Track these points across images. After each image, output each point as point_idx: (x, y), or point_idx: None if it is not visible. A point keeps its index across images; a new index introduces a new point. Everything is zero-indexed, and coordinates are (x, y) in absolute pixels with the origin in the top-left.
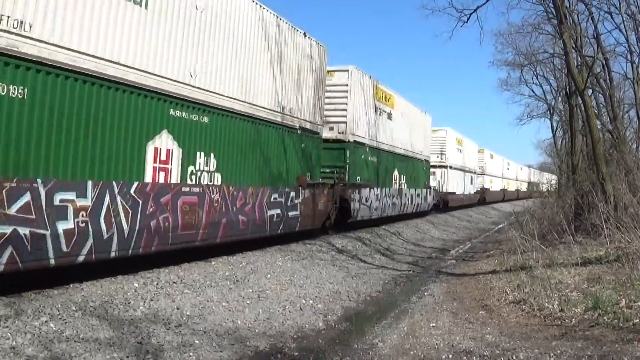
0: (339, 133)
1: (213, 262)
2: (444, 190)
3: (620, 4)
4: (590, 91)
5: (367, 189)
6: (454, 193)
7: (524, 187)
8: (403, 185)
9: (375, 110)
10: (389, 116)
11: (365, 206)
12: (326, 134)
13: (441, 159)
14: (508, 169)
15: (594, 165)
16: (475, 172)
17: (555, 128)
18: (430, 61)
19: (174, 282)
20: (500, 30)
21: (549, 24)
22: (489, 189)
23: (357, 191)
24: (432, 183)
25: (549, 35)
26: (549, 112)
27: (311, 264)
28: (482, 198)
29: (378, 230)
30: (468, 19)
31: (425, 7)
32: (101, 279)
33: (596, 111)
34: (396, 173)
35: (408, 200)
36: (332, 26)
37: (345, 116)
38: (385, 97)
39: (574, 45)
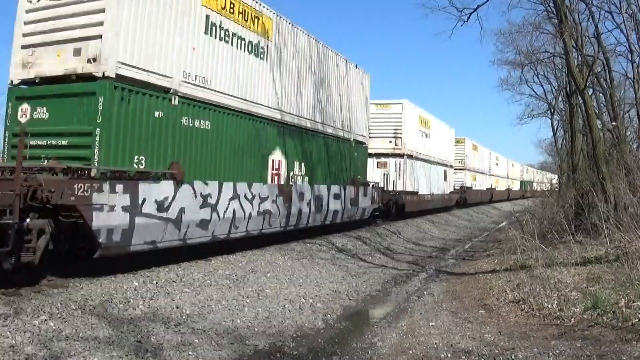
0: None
1: (213, 261)
2: (400, 188)
3: (620, 3)
4: (590, 90)
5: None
6: (416, 193)
7: (516, 186)
8: (298, 178)
9: None
10: None
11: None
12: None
13: (395, 144)
14: (497, 164)
15: (594, 164)
16: (449, 166)
17: (555, 127)
18: (431, 60)
19: (173, 281)
20: (501, 30)
21: (550, 23)
22: (471, 187)
23: None
24: (377, 178)
25: (549, 35)
26: (549, 111)
27: (311, 263)
28: (462, 199)
29: (378, 229)
30: (468, 18)
31: (425, 6)
32: (101, 278)
33: (597, 111)
34: (279, 155)
35: (310, 205)
36: (329, 21)
37: None
38: None
39: (574, 45)
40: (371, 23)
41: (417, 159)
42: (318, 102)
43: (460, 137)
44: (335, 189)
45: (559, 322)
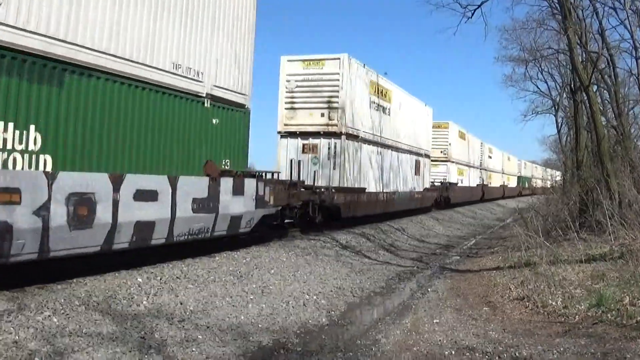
0: None
1: (217, 257)
2: (336, 183)
3: None
4: (595, 87)
5: None
6: (363, 190)
7: (512, 182)
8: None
9: None
10: None
11: None
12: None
13: (329, 118)
14: (490, 157)
15: (599, 161)
16: (424, 155)
17: (560, 124)
18: (434, 56)
19: (177, 277)
20: (505, 26)
21: (554, 19)
22: (456, 183)
23: None
24: (306, 169)
25: (553, 31)
26: (553, 108)
27: (315, 260)
28: (444, 198)
29: (382, 226)
30: (472, 14)
31: (429, 2)
32: (105, 274)
33: (601, 107)
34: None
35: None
36: (330, 18)
37: None
38: None
39: (578, 41)
40: (376, 22)
41: (365, 141)
42: None
43: (443, 121)
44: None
45: (563, 319)
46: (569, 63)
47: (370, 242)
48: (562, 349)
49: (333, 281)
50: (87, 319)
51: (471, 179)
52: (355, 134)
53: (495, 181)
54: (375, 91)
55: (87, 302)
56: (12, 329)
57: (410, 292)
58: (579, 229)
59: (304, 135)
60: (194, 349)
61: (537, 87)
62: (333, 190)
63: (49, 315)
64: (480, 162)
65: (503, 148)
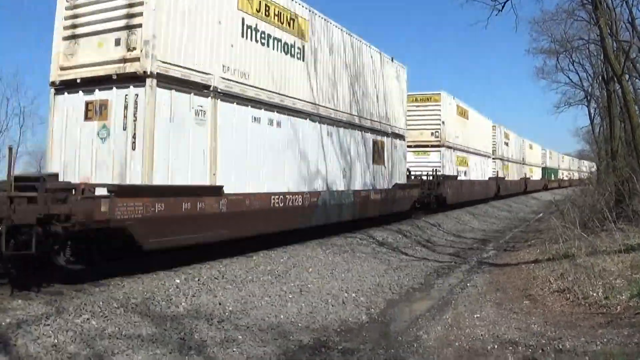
0: None
1: (254, 257)
2: (121, 179)
3: None
4: (627, 76)
5: None
6: (212, 192)
7: (536, 175)
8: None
9: None
10: None
11: None
12: None
13: (126, 47)
14: (506, 143)
15: (634, 151)
16: (389, 134)
17: (592, 115)
18: (466, 52)
19: (215, 278)
20: (535, 18)
21: (584, 10)
22: (455, 176)
23: None
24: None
25: (583, 22)
26: (585, 99)
27: (352, 257)
28: (435, 197)
29: (418, 222)
30: (503, 7)
31: None
32: (142, 276)
33: (634, 96)
34: None
35: None
36: (366, 16)
37: None
38: None
39: (609, 31)
40: (407, 16)
41: (232, 97)
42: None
43: (432, 92)
44: None
45: (605, 310)
46: (600, 53)
47: (407, 238)
48: (605, 339)
49: (371, 278)
50: (126, 321)
51: (479, 171)
52: (185, 76)
53: (514, 173)
54: (258, 9)
55: (126, 304)
56: (51, 332)
57: (449, 287)
58: (615, 219)
59: (88, 85)
60: (234, 349)
61: (569, 78)
62: (111, 195)
63: (88, 318)
64: (494, 150)
65: (536, 141)
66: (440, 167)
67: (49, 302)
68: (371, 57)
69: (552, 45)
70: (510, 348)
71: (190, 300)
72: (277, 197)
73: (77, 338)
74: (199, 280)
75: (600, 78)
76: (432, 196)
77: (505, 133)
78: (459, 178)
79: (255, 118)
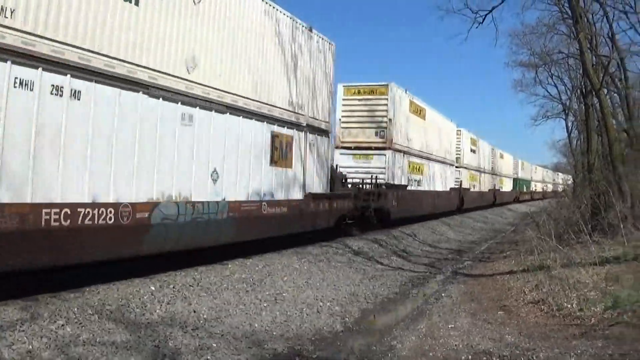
0: None
1: (229, 265)
2: None
3: (635, 3)
4: (605, 91)
5: None
6: None
7: (507, 186)
8: None
9: None
10: None
11: None
12: None
13: None
14: (473, 150)
15: (610, 164)
16: (303, 127)
17: (570, 128)
18: (444, 62)
19: (190, 285)
20: (515, 31)
21: (564, 24)
22: (405, 186)
23: None
24: None
25: (563, 36)
26: (563, 112)
27: (328, 266)
28: (375, 211)
29: (394, 231)
30: (483, 19)
31: (440, 8)
32: (117, 282)
33: (612, 111)
34: None
35: None
36: (341, 25)
37: None
38: None
39: (589, 45)
40: (388, 30)
41: None
42: None
43: (378, 83)
44: None
45: (579, 322)
46: (579, 67)
47: (382, 247)
48: (579, 351)
49: (346, 287)
50: (101, 328)
51: (441, 180)
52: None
53: (484, 183)
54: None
55: (101, 310)
56: (25, 338)
57: (424, 297)
58: (591, 231)
59: None
60: (208, 357)
61: (547, 91)
62: None
63: (62, 325)
64: (457, 157)
65: (508, 151)
66: (385, 174)
67: (24, 308)
68: (276, 21)
69: (531, 58)
70: (484, 359)
71: (165, 308)
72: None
73: (52, 344)
74: (174, 287)
75: (579, 92)
76: (371, 210)
77: (472, 139)
78: (410, 188)
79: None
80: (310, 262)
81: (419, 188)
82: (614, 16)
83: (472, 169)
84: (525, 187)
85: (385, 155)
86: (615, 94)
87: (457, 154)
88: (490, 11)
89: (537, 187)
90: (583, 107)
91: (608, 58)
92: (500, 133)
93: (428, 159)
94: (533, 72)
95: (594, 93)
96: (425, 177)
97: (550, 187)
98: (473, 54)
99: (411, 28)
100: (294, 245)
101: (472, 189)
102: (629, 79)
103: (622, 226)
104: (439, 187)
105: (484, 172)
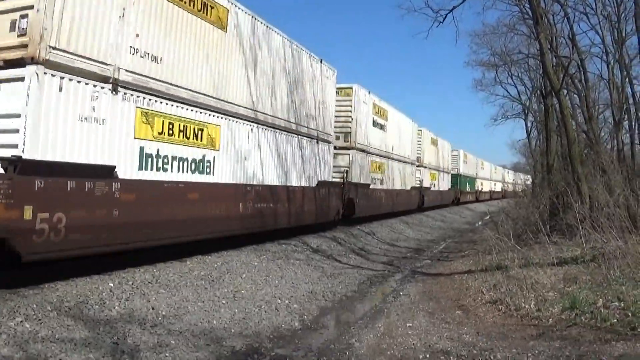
0: None
1: (188, 262)
2: None
3: (596, 4)
4: (565, 91)
5: None
6: None
7: (443, 183)
8: None
9: None
10: None
11: None
12: None
13: None
14: (434, 149)
15: (570, 165)
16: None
17: (529, 128)
18: (405, 60)
19: (149, 282)
20: (476, 31)
21: (524, 24)
22: (376, 186)
23: None
24: None
25: (524, 36)
26: (523, 112)
27: (286, 264)
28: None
29: (353, 230)
30: (444, 19)
31: (401, 7)
32: (76, 279)
33: (571, 112)
34: None
35: None
36: (307, 22)
37: None
38: None
39: (549, 46)
40: (350, 27)
41: None
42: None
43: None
44: None
45: (536, 322)
46: (539, 68)
47: (341, 246)
48: (536, 351)
49: (305, 285)
50: (60, 325)
51: (399, 179)
52: None
53: (402, 178)
54: None
55: (59, 307)
56: None
57: (382, 295)
58: (549, 232)
59: None
60: (167, 354)
61: (507, 91)
62: None
63: (21, 321)
64: (419, 157)
65: (474, 153)
66: (349, 172)
67: None
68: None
69: (491, 58)
70: (442, 358)
71: (123, 304)
72: None
73: (11, 341)
74: (132, 284)
75: (539, 92)
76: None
77: (433, 139)
78: (372, 186)
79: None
80: (269, 260)
81: (381, 187)
82: (574, 17)
83: (392, 158)
84: (469, 186)
85: (349, 154)
86: (575, 95)
87: (417, 154)
88: (451, 10)
89: (483, 186)
90: (543, 108)
91: (568, 59)
92: (461, 133)
93: (389, 157)
94: (493, 72)
95: (553, 94)
96: (386, 176)
97: (499, 187)
98: (434, 55)
99: (370, 26)
100: (252, 243)
101: (432, 188)
102: (588, 80)
103: (580, 227)
104: (399, 186)
105: (406, 163)
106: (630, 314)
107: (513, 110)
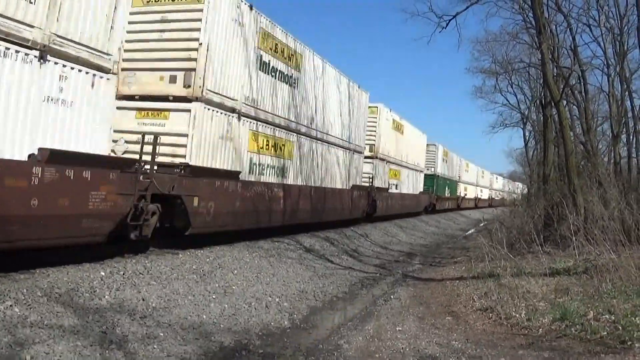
0: None
1: (180, 255)
2: None
3: (599, 16)
4: (564, 102)
5: None
6: None
7: (416, 184)
8: None
9: None
10: None
11: None
12: None
13: None
14: (445, 161)
15: (566, 176)
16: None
17: (527, 137)
18: (407, 66)
19: (140, 273)
20: (478, 38)
21: (527, 33)
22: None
23: None
24: None
25: (525, 45)
26: (522, 121)
27: (278, 262)
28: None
29: (346, 231)
30: (447, 24)
31: (405, 11)
32: (68, 266)
33: (570, 123)
34: None
35: None
36: (309, 29)
37: None
38: None
39: (551, 56)
40: (352, 30)
41: None
42: None
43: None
44: None
45: (526, 332)
46: (540, 77)
47: (334, 246)
48: None
49: (296, 284)
50: (49, 311)
51: (411, 184)
52: None
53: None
54: None
55: (50, 293)
56: None
57: (372, 298)
58: (543, 242)
59: None
60: (155, 346)
61: (507, 99)
62: None
63: (11, 305)
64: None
65: (470, 160)
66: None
67: None
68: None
69: (492, 65)
70: None
71: (114, 294)
72: None
73: None
74: (124, 274)
75: (538, 102)
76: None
77: (445, 151)
78: (390, 191)
79: None
80: (261, 257)
81: (397, 191)
82: (577, 29)
83: (393, 163)
84: (448, 191)
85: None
86: (575, 106)
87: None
88: (454, 16)
89: (467, 191)
90: (541, 118)
91: (569, 70)
92: (458, 141)
93: (404, 166)
94: (493, 80)
95: (553, 104)
96: (401, 181)
97: (486, 194)
98: (433, 60)
99: (370, 26)
100: (245, 239)
101: (392, 189)
102: (588, 92)
103: (574, 239)
104: (411, 191)
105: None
106: (620, 327)
107: (512, 119)
